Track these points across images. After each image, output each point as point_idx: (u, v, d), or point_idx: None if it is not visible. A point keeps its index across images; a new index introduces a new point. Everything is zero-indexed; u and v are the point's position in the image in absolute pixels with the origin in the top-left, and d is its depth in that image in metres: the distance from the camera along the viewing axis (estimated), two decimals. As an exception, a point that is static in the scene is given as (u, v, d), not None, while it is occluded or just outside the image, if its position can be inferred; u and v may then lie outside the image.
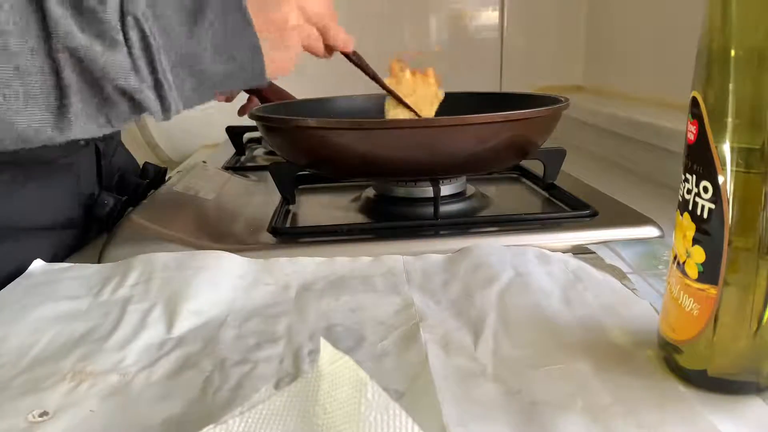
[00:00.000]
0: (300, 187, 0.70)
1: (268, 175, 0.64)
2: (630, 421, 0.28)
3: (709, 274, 0.28)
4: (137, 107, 0.36)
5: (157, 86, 0.36)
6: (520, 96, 0.68)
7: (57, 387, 0.32)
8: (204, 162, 0.84)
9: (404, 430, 0.23)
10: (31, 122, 0.33)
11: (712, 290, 0.28)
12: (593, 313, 0.39)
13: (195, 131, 1.20)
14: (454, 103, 0.70)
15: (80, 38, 0.32)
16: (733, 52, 0.26)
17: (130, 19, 0.33)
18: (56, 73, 0.32)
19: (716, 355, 0.29)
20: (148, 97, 0.36)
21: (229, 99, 0.85)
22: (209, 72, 0.38)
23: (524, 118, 0.53)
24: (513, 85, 1.23)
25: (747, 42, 0.26)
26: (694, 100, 0.28)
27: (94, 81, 0.33)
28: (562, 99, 0.59)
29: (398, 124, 0.53)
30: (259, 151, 1.00)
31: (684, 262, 0.30)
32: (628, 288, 0.42)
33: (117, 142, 0.71)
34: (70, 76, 0.33)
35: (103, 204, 0.60)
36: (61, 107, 0.33)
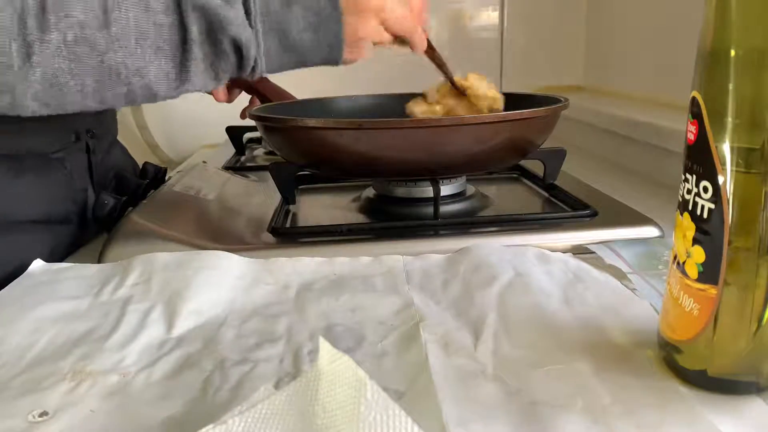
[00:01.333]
0: (300, 187, 0.70)
1: (268, 175, 0.64)
2: (630, 421, 0.28)
3: (709, 274, 0.28)
4: (241, 62, 0.42)
5: (256, 44, 0.41)
6: (520, 96, 0.68)
7: (57, 387, 0.32)
8: (204, 162, 0.84)
9: (404, 430, 0.23)
10: (158, 72, 0.38)
11: (712, 290, 0.28)
12: (593, 313, 0.39)
13: (195, 131, 1.20)
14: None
15: None
16: (733, 52, 0.26)
17: None
18: (184, 27, 0.37)
19: (716, 355, 0.29)
20: (251, 52, 0.41)
21: (229, 99, 0.85)
22: (295, 41, 0.44)
23: (524, 118, 0.53)
24: (513, 85, 1.22)
25: (747, 42, 0.26)
26: (694, 100, 0.28)
27: (214, 33, 0.38)
28: (562, 99, 0.59)
29: (398, 124, 0.53)
30: (259, 151, 1.00)
31: (684, 262, 0.30)
32: (628, 288, 0.42)
33: (110, 141, 0.71)
34: (194, 30, 0.38)
35: (103, 204, 0.60)
36: (183, 60, 0.38)
